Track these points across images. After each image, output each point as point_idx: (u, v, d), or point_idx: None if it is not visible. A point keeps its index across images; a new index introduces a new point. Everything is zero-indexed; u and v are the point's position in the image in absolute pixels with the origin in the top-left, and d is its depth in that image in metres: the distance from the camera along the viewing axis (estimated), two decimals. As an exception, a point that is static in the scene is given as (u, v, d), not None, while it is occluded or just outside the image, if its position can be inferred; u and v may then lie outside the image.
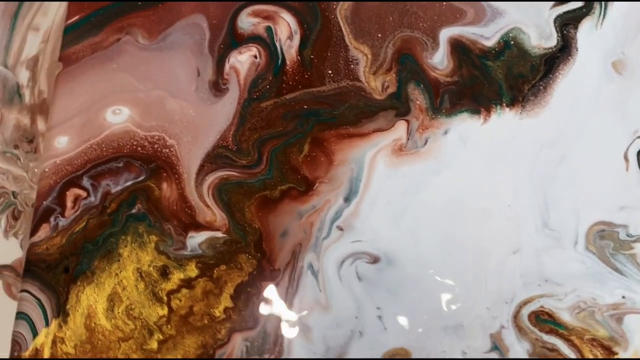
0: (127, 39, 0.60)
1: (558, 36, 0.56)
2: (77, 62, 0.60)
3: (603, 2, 0.57)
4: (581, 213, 0.52)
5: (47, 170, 0.55)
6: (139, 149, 0.56)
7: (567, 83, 0.55)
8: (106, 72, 0.59)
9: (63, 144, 0.57)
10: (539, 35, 0.57)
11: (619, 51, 0.56)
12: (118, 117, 0.57)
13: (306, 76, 0.58)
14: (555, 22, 0.57)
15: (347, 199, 0.54)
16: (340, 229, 0.54)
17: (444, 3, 0.59)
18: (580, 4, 0.57)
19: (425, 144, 0.55)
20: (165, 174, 0.56)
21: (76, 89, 0.58)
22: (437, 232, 0.53)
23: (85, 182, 0.55)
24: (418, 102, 0.56)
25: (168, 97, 0.58)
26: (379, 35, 0.58)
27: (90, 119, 0.57)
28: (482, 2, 0.58)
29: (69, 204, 0.55)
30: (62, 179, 0.56)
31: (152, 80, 0.58)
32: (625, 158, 0.53)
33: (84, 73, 0.59)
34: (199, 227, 0.54)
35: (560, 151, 0.54)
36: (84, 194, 0.55)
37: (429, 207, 0.53)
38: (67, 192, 0.55)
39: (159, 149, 0.56)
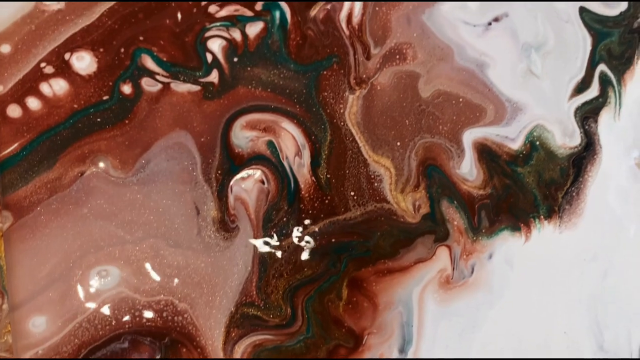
0: (94, 172, 0.58)
1: (581, 132, 0.67)
2: (33, 210, 0.57)
3: (617, 90, 0.68)
4: (632, 329, 0.64)
5: (27, 367, 0.53)
6: (145, 320, 0.56)
7: (596, 187, 0.66)
8: (76, 220, 0.57)
9: (41, 327, 0.54)
10: (563, 132, 0.66)
11: None
12: (107, 282, 0.56)
13: (326, 201, 0.62)
14: (575, 115, 0.67)
15: (402, 350, 0.60)
16: (403, 387, 0.59)
17: (461, 101, 0.66)
18: (596, 93, 0.68)
19: (472, 272, 0.62)
20: (184, 349, 0.56)
21: (41, 249, 0.56)
22: (503, 375, 0.61)
23: (85, 376, 0.54)
24: (456, 223, 0.63)
25: (166, 248, 0.58)
26: (398, 143, 0.64)
27: (70, 288, 0.56)
28: (502, 98, 0.66)
29: (69, 410, 0.54)
30: (52, 377, 0.54)
31: (141, 227, 0.58)
32: (662, 263, 0.66)
33: (47, 225, 0.57)
34: (242, 412, 0.57)
35: (603, 264, 0.64)
36: (86, 393, 0.54)
37: (489, 347, 0.61)
38: (63, 395, 0.54)
39: (170, 318, 0.57)
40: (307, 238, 0.60)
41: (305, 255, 0.60)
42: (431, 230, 0.63)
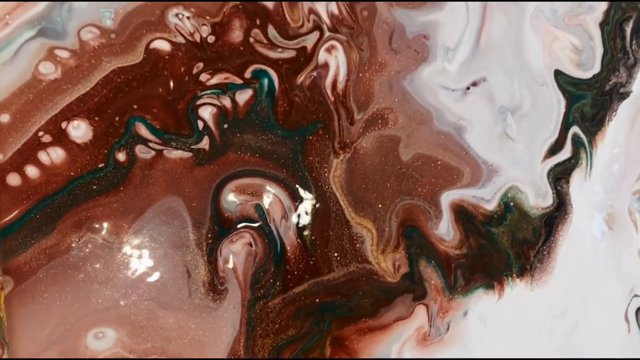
0: (90, 238, 0.64)
1: (553, 193, 0.73)
2: (33, 275, 0.63)
3: (588, 151, 0.75)
4: (597, 384, 0.71)
5: None
6: (139, 381, 0.63)
7: (567, 245, 0.73)
8: (74, 285, 0.63)
9: (41, 390, 0.61)
10: (536, 193, 0.73)
11: (608, 204, 0.75)
12: (103, 343, 0.62)
13: (311, 262, 0.68)
14: (548, 176, 0.73)
15: (382, 406, 0.67)
16: None
17: (439, 164, 0.72)
18: (568, 154, 0.74)
19: (448, 329, 0.69)
20: (177, 409, 0.63)
21: (40, 313, 0.62)
22: None
23: None
24: (433, 282, 0.70)
25: (159, 309, 0.64)
26: (380, 205, 0.70)
27: (68, 349, 0.61)
28: (479, 161, 0.73)
29: None
30: None
31: (135, 290, 0.64)
32: (626, 319, 0.73)
33: (46, 289, 0.62)
34: None
35: (571, 320, 0.71)
36: None
37: (463, 402, 0.68)
38: None
39: (163, 378, 0.63)
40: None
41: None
42: (410, 289, 0.69)
